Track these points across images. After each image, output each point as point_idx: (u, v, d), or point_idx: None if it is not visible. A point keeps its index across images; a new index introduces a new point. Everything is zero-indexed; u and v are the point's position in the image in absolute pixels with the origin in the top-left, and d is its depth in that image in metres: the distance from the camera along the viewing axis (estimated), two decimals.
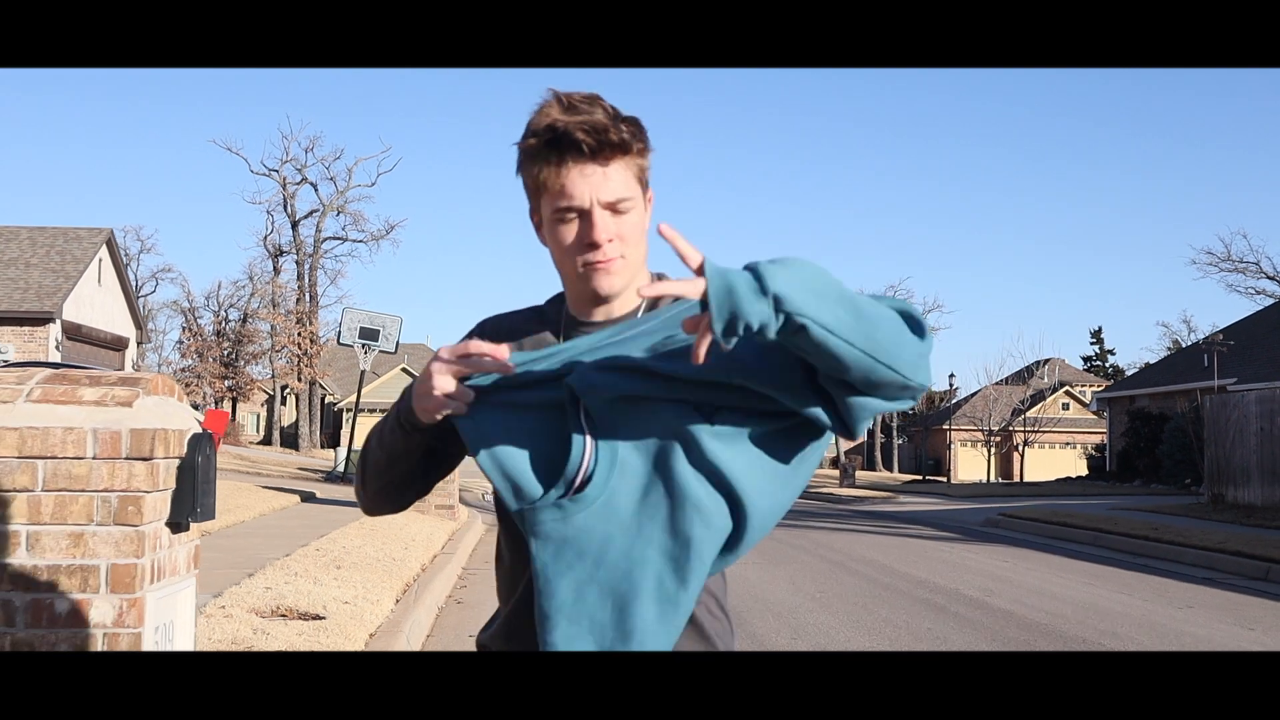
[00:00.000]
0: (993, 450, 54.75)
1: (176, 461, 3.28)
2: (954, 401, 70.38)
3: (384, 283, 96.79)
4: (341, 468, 26.11)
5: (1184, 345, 52.59)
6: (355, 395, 26.53)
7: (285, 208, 48.10)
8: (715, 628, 1.86)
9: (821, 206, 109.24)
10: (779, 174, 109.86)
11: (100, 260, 33.56)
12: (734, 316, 1.47)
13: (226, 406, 54.44)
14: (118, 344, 35.22)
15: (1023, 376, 60.73)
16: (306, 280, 47.91)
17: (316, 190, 48.14)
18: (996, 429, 54.12)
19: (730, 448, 1.64)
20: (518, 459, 1.67)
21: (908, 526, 20.97)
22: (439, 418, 1.72)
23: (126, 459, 3.11)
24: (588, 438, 1.65)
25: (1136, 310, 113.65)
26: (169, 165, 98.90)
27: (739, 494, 1.64)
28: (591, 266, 1.80)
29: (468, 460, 1.87)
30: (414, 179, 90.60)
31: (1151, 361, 48.38)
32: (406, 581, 10.03)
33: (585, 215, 1.78)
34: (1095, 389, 58.31)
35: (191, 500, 3.33)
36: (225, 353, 54.77)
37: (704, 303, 1.49)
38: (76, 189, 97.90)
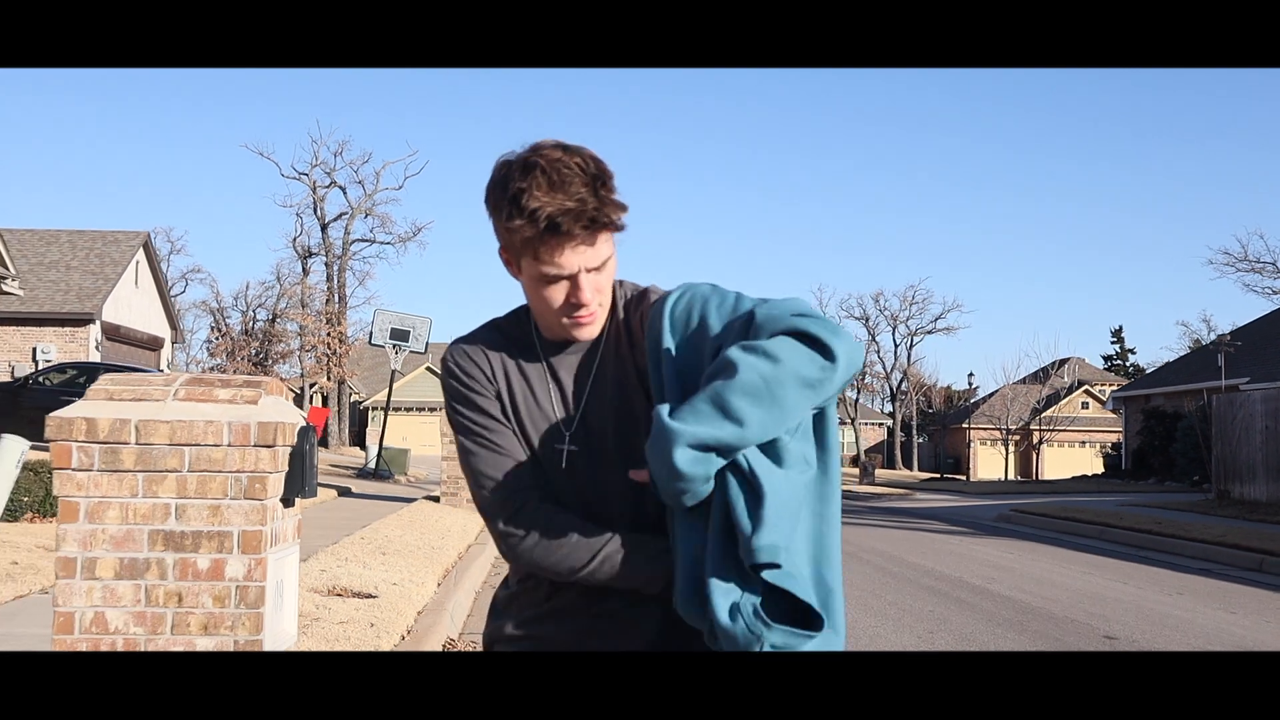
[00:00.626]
0: (1010, 449, 55.22)
1: (289, 449, 4.03)
2: (973, 401, 70.83)
3: (410, 283, 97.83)
4: (373, 465, 26.93)
5: (1203, 345, 52.92)
6: (386, 394, 27.36)
7: (315, 211, 49.08)
8: None
9: (841, 206, 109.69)
10: (799, 174, 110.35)
11: (137, 263, 34.50)
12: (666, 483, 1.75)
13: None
14: (153, 344, 36.15)
15: (1042, 376, 61.11)
16: (335, 281, 48.86)
17: (345, 193, 49.15)
18: (1014, 428, 54.58)
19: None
20: None
21: (921, 521, 21.64)
22: None
23: (254, 446, 3.86)
24: None
25: (1158, 309, 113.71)
26: (200, 169, 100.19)
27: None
28: (577, 321, 1.94)
29: None
30: (440, 182, 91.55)
31: (1170, 361, 48.73)
32: (446, 567, 10.80)
33: (573, 280, 1.90)
34: (1113, 388, 58.64)
35: (300, 480, 4.08)
36: (254, 352, 55.74)
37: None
38: (112, 191, 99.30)
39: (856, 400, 70.35)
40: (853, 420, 68.11)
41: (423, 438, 57.78)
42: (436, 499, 18.85)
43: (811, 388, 1.72)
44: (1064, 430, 60.89)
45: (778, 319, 1.77)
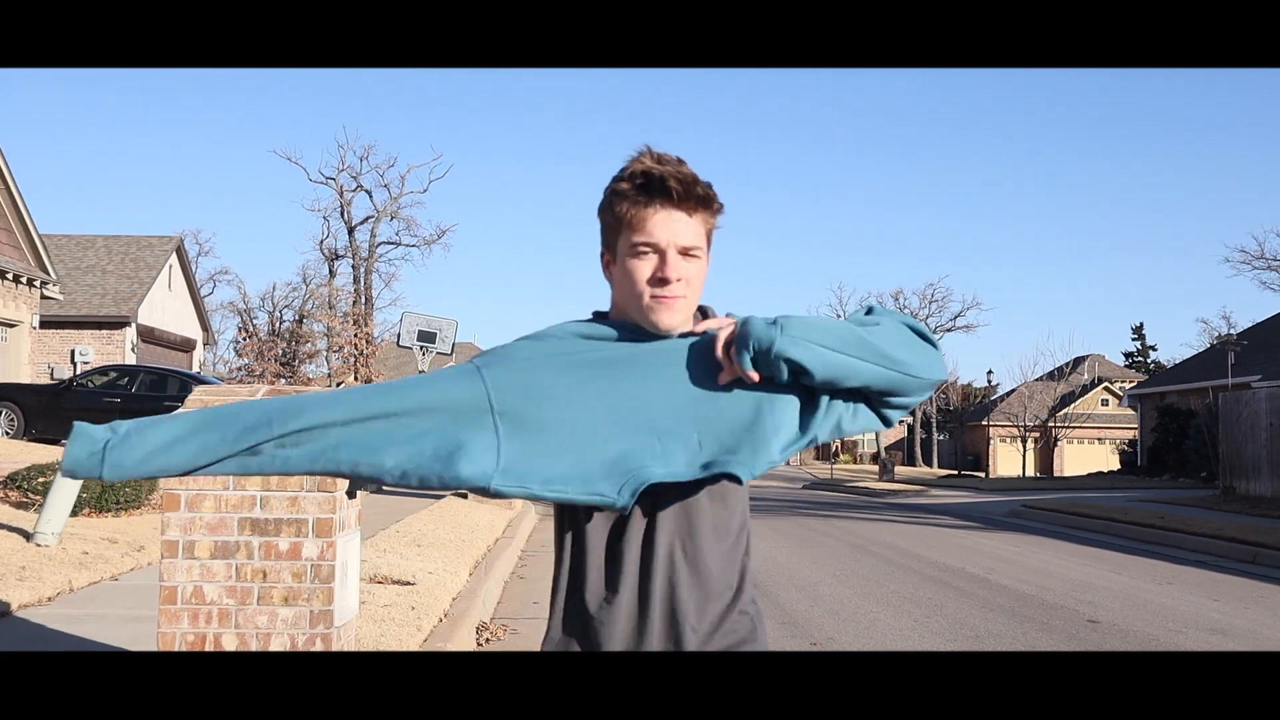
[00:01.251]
0: (1028, 446, 55.64)
1: None
2: (993, 398, 71.19)
3: (435, 285, 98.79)
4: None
5: (1219, 342, 53.16)
6: None
7: (342, 214, 50.04)
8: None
9: (861, 205, 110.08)
10: (819, 173, 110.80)
11: (170, 266, 35.41)
12: (746, 336, 1.89)
13: None
14: (186, 345, 37.07)
15: (1061, 373, 61.48)
16: (362, 283, 49.80)
17: (371, 197, 50.11)
18: (1032, 425, 54.99)
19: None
20: None
21: (934, 517, 22.25)
22: None
23: None
24: None
25: (1179, 306, 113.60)
26: (229, 173, 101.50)
27: None
28: (658, 299, 1.96)
29: None
30: (464, 186, 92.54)
31: (1186, 359, 49.06)
32: (476, 559, 11.53)
33: (661, 254, 1.96)
34: (1130, 385, 58.99)
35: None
36: (281, 352, 56.69)
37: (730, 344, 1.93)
38: (142, 196, 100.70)
39: None
40: None
41: None
42: (464, 496, 19.60)
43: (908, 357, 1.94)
44: (1083, 427, 61.27)
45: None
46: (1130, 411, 57.54)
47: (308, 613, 4.57)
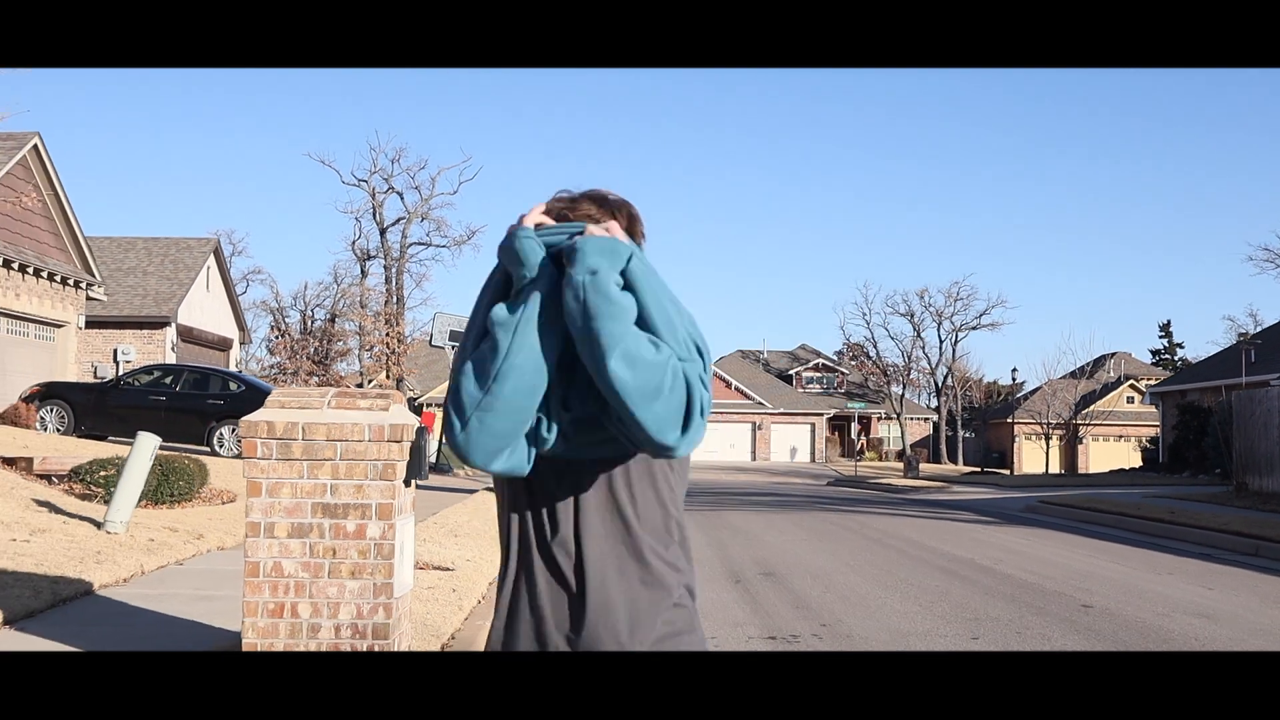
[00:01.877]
0: (1051, 443, 55.97)
1: (409, 443, 5.43)
2: (1019, 396, 71.46)
3: (465, 285, 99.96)
4: (434, 458, 28.51)
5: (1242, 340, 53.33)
6: (446, 391, 28.86)
7: (374, 216, 50.96)
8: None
9: (886, 203, 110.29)
10: (845, 171, 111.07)
11: (208, 268, 36.31)
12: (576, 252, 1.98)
13: None
14: (223, 345, 37.98)
15: (1086, 370, 61.73)
16: (394, 283, 50.70)
17: (402, 199, 51.02)
18: (1055, 423, 55.33)
19: None
20: None
21: (952, 512, 22.83)
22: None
23: (386, 441, 5.28)
24: None
25: (1207, 304, 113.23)
26: (264, 175, 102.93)
27: None
28: None
29: None
30: (492, 187, 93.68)
31: (1208, 357, 49.30)
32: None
33: None
34: (1152, 383, 59.21)
35: (417, 467, 5.49)
36: (314, 350, 57.66)
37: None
38: (180, 196, 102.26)
39: (903, 395, 71.28)
40: (898, 415, 69.07)
41: None
42: (490, 489, 20.33)
43: None
44: (1108, 425, 61.52)
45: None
46: (1155, 409, 57.83)
47: (371, 585, 5.27)
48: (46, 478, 12.98)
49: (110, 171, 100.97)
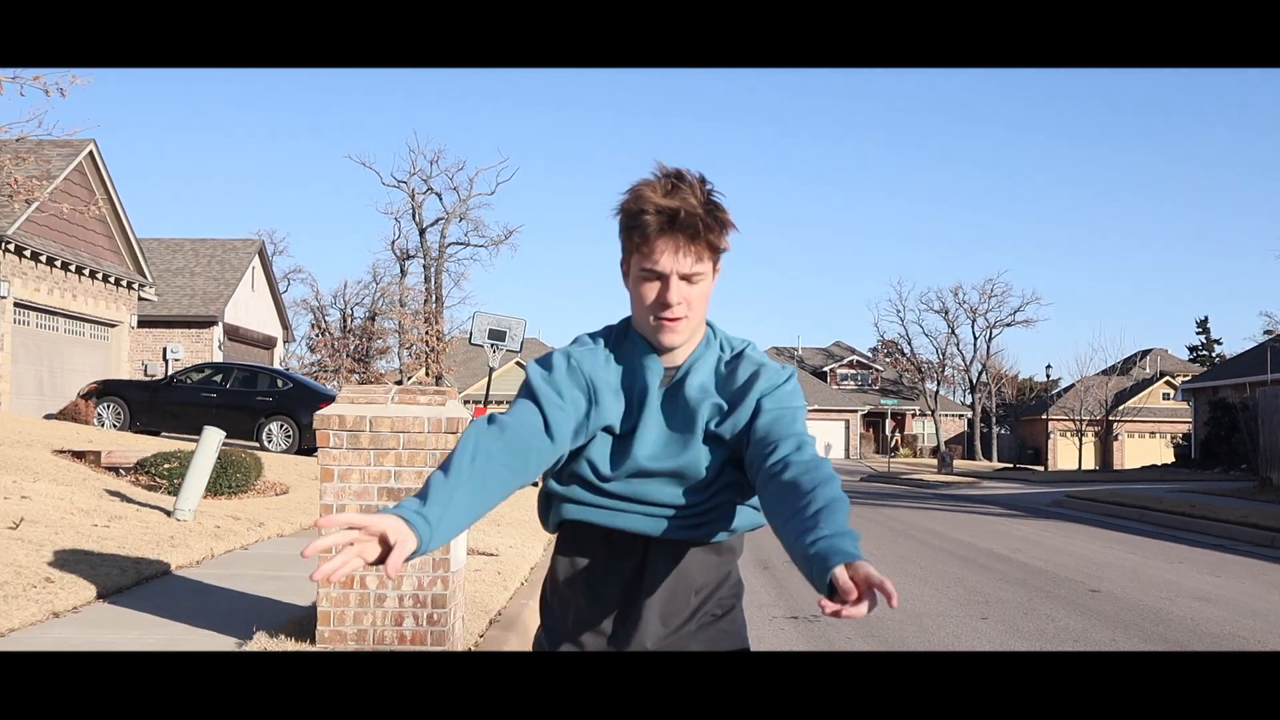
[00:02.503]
0: (1083, 439, 56.15)
1: (463, 433, 6.10)
2: (1054, 392, 71.57)
3: (502, 284, 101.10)
4: None
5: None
6: (485, 388, 29.67)
7: (413, 216, 51.97)
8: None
9: (921, 201, 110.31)
10: (880, 169, 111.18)
11: (253, 268, 37.27)
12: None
13: None
14: (267, 343, 38.96)
15: (1122, 367, 61.81)
16: (433, 282, 51.67)
17: (441, 200, 52.02)
18: (1088, 419, 55.52)
19: None
20: None
21: (979, 506, 23.35)
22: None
23: (444, 433, 5.95)
24: None
25: (1245, 300, 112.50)
26: (305, 177, 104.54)
27: None
28: (660, 323, 2.17)
29: None
30: (529, 188, 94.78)
31: (1240, 354, 49.35)
32: (550, 537, 12.93)
33: (665, 281, 2.14)
34: (1185, 379, 59.26)
35: None
36: (354, 348, 58.69)
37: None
38: (223, 196, 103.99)
39: (937, 392, 71.57)
40: (933, 412, 69.39)
41: None
42: (535, 483, 21.02)
43: None
44: (1143, 421, 61.62)
45: None
46: (1187, 405, 57.87)
47: (430, 560, 5.95)
48: (114, 470, 13.77)
49: (156, 173, 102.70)
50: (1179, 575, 11.69)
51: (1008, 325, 70.63)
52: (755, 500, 2.26)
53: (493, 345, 27.95)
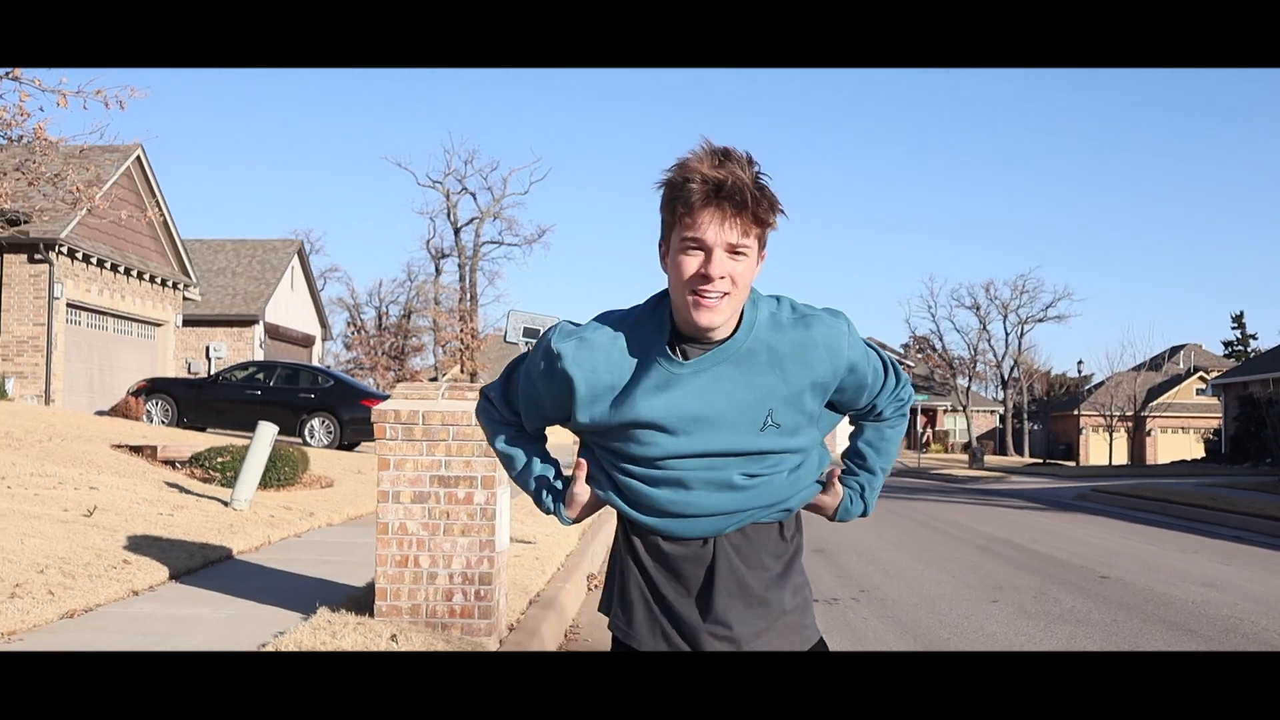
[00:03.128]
0: (1113, 435, 56.26)
1: None
2: (1086, 388, 71.58)
3: (536, 282, 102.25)
4: None
5: None
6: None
7: (448, 216, 52.84)
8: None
9: (953, 197, 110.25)
10: (912, 165, 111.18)
11: (292, 268, 38.12)
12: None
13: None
14: (306, 341, 39.81)
15: (1147, 364, 61.84)
16: (467, 280, 52.53)
17: (475, 199, 52.91)
18: (1120, 414, 55.64)
19: None
20: None
21: (1004, 500, 23.78)
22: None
23: None
24: None
25: None
26: (341, 178, 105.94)
27: None
28: (700, 295, 2.05)
29: None
30: (561, 187, 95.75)
31: (1273, 348, 49.36)
32: (583, 527, 13.51)
33: (708, 252, 2.03)
34: (1215, 375, 59.21)
35: None
36: (389, 346, 59.57)
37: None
38: (263, 198, 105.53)
39: (968, 388, 71.76)
40: (964, 407, 69.58)
41: None
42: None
43: None
44: (1175, 417, 61.63)
45: None
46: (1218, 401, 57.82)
47: (478, 541, 6.54)
48: (170, 463, 14.48)
49: (195, 172, 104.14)
50: (1189, 563, 12.14)
51: (1040, 321, 70.73)
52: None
53: (527, 343, 28.53)
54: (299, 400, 23.10)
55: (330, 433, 22.62)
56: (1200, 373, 67.96)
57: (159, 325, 28.20)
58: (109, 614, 6.76)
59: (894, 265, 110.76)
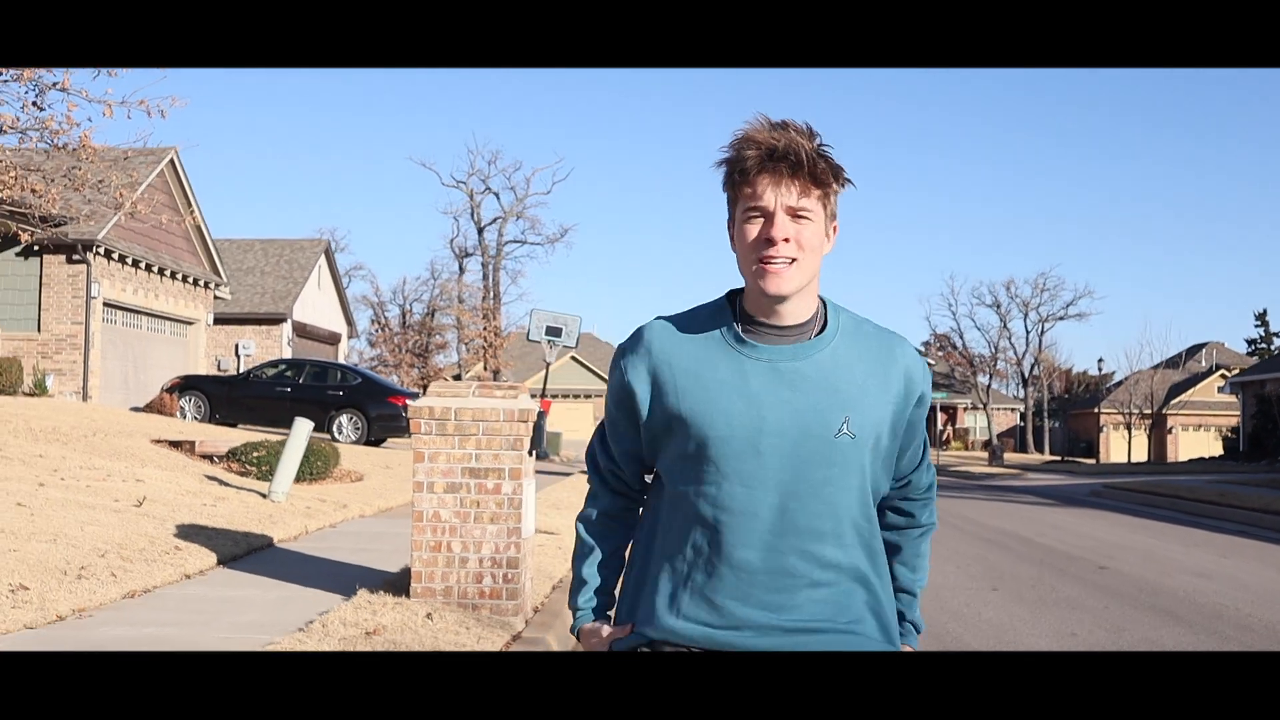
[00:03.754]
0: (1140, 432, 56.45)
1: (532, 423, 7.21)
2: (1107, 386, 71.71)
3: (558, 280, 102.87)
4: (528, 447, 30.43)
5: None
6: (543, 383, 30.87)
7: (472, 215, 53.53)
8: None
9: (974, 195, 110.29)
10: (933, 164, 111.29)
11: (319, 267, 38.77)
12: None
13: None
14: (332, 339, 40.48)
15: (1166, 361, 61.97)
16: (491, 279, 53.16)
17: (499, 199, 53.51)
18: (1138, 412, 55.83)
19: None
20: None
21: (1017, 496, 24.19)
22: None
23: (516, 420, 7.07)
24: None
25: None
26: (367, 177, 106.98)
27: None
28: (766, 262, 1.99)
29: None
30: (583, 187, 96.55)
31: None
32: None
33: (769, 217, 1.99)
34: (1234, 373, 59.28)
35: (538, 440, 7.28)
36: (413, 343, 60.27)
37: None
38: (289, 197, 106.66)
39: (989, 386, 71.97)
40: (985, 405, 69.82)
41: (569, 422, 61.66)
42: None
43: None
44: (1195, 414, 61.73)
45: None
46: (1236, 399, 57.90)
47: (506, 529, 7.08)
48: (208, 458, 15.09)
49: (224, 170, 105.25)
50: (1189, 556, 12.58)
51: (1060, 319, 70.89)
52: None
53: (549, 341, 29.13)
54: (328, 397, 23.72)
55: (358, 429, 23.23)
56: (1221, 370, 67.94)
57: (191, 324, 28.88)
58: (166, 594, 7.33)
59: (915, 263, 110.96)
